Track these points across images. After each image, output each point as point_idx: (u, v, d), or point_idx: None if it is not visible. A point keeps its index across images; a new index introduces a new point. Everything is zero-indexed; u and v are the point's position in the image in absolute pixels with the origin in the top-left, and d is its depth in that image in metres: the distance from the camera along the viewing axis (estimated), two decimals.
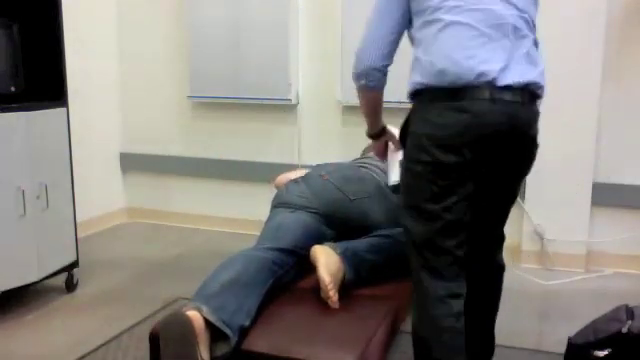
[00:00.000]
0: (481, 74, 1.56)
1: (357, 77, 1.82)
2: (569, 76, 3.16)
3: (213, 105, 3.97)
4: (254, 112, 3.88)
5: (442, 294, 1.68)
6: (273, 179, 2.77)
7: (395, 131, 2.20)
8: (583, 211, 3.30)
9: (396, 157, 2.21)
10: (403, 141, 1.77)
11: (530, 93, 1.64)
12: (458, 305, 1.70)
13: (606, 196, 3.28)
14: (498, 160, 1.67)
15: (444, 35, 1.61)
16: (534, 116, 1.70)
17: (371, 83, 1.81)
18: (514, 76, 1.58)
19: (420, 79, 1.65)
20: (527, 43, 1.64)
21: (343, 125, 3.70)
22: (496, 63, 1.58)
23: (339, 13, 3.56)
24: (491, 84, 1.57)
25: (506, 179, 1.77)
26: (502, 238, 1.95)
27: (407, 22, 1.76)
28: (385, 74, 1.81)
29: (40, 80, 2.92)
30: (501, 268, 1.97)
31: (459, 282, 1.72)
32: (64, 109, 2.89)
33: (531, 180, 3.31)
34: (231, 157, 3.97)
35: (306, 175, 2.41)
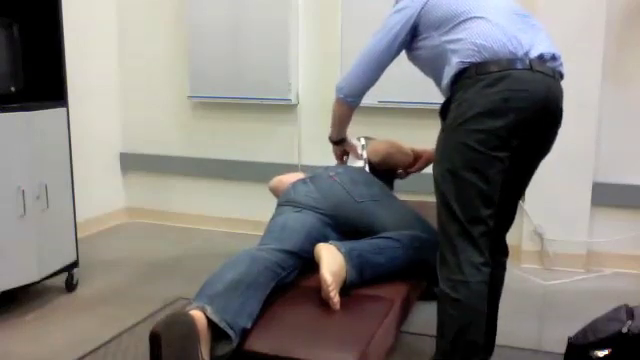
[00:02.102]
0: (517, 45, 1.71)
1: (341, 91, 2.07)
2: (569, 76, 3.11)
3: (213, 105, 3.97)
4: (254, 112, 3.88)
5: (477, 261, 1.75)
6: (272, 179, 2.76)
7: (356, 143, 2.49)
8: (583, 211, 3.30)
9: (356, 164, 2.48)
10: (444, 115, 1.83)
11: (558, 72, 1.79)
12: (488, 274, 1.78)
13: (606, 196, 3.28)
14: (533, 132, 1.76)
15: (482, 23, 1.76)
16: (562, 93, 1.82)
17: (352, 102, 2.08)
18: (542, 48, 1.74)
19: (461, 59, 1.75)
20: (544, 32, 1.83)
21: None
22: (527, 39, 1.75)
23: (339, 13, 3.56)
24: (527, 55, 1.71)
25: (533, 154, 1.88)
26: (513, 217, 2.04)
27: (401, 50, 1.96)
28: (362, 97, 2.07)
29: (40, 80, 2.92)
30: (507, 251, 2.07)
31: (487, 252, 1.79)
32: (64, 109, 2.89)
33: (531, 180, 3.31)
34: (231, 157, 3.97)
35: (314, 175, 2.41)
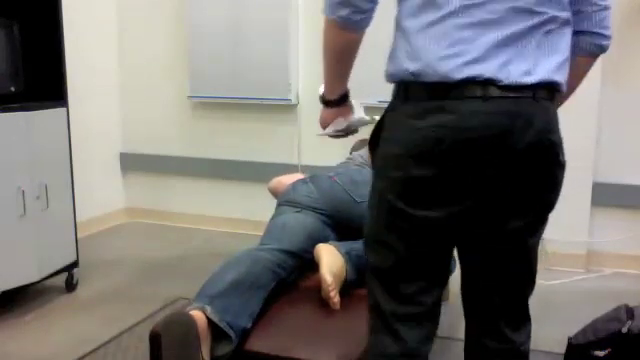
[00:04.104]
0: (467, 80, 1.17)
1: (336, 6, 1.28)
2: None
3: (213, 105, 3.97)
4: (254, 112, 3.88)
5: (391, 352, 1.32)
6: (271, 180, 2.76)
7: (359, 107, 1.63)
8: (583, 211, 3.30)
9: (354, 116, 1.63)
10: (373, 149, 1.36)
11: (545, 87, 1.22)
12: None
13: (606, 196, 3.28)
14: (496, 181, 1.21)
15: (428, 25, 1.21)
16: (552, 116, 1.25)
17: (355, 16, 1.28)
18: (516, 75, 1.18)
19: (393, 69, 1.27)
20: (544, 27, 1.21)
21: None
22: (492, 60, 1.18)
23: None
24: (485, 82, 1.18)
25: (511, 211, 1.26)
26: (516, 310, 1.38)
27: None
28: (373, 9, 1.30)
29: (40, 80, 2.92)
30: (511, 352, 1.39)
31: (420, 341, 1.33)
32: (64, 109, 2.89)
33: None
34: (231, 157, 3.97)
35: (314, 175, 2.41)
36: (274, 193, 2.60)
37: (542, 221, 1.33)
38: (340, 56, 1.39)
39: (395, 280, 1.30)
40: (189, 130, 4.08)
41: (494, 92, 1.17)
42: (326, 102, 1.53)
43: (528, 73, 1.19)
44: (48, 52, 2.90)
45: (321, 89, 1.55)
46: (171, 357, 1.60)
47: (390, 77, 1.29)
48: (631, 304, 2.12)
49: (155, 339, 1.70)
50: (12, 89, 2.79)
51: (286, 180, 2.54)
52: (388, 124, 1.29)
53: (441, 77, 1.18)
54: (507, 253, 1.32)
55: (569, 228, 3.32)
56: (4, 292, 2.65)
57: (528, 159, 1.21)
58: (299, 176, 2.57)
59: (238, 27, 3.71)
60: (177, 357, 1.60)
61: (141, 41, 4.08)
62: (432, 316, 1.35)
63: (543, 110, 1.21)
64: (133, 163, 4.24)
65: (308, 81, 3.74)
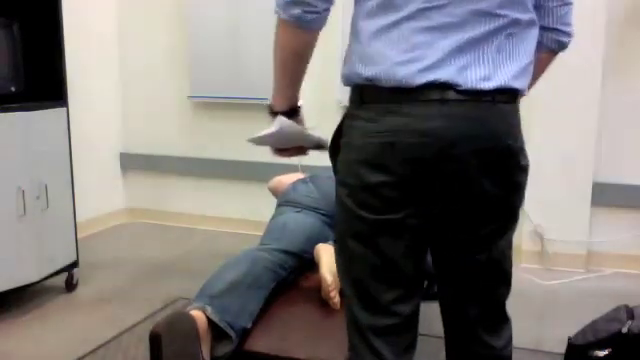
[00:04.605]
0: (424, 85, 1.14)
1: (287, 5, 1.30)
2: (569, 76, 3.16)
3: (213, 105, 3.97)
4: (254, 112, 3.88)
5: None
6: (272, 179, 2.76)
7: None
8: (583, 211, 3.30)
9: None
10: (334, 156, 1.32)
11: (504, 93, 1.18)
12: None
13: (606, 196, 3.29)
14: (453, 184, 1.18)
15: (383, 28, 1.18)
16: (511, 120, 1.21)
17: (308, 16, 1.28)
18: (474, 80, 1.15)
19: (349, 73, 1.25)
20: (506, 30, 1.17)
21: None
22: (450, 65, 1.14)
23: (339, 13, 3.55)
24: (443, 86, 1.15)
25: (473, 215, 1.23)
26: (493, 315, 1.35)
27: None
28: (328, 10, 1.30)
29: (40, 80, 2.92)
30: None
31: (399, 355, 1.28)
32: (64, 109, 2.89)
33: (531, 180, 3.30)
34: (231, 157, 3.97)
35: (314, 175, 2.41)
36: (274, 192, 2.60)
37: (510, 224, 1.30)
38: (291, 58, 1.38)
39: (367, 288, 1.25)
40: (189, 130, 4.08)
41: (452, 96, 1.14)
42: (275, 114, 1.48)
43: (486, 78, 1.15)
44: (48, 52, 2.90)
45: (270, 99, 1.46)
46: (171, 357, 1.60)
47: (346, 80, 1.26)
48: (631, 304, 2.12)
49: (155, 339, 1.70)
50: (12, 89, 2.79)
51: (286, 180, 2.54)
52: (346, 129, 1.25)
53: (398, 83, 1.15)
54: (477, 257, 1.28)
55: (569, 228, 3.32)
56: (4, 292, 2.65)
57: (485, 163, 1.18)
58: (299, 176, 2.57)
59: (238, 27, 3.71)
60: (177, 357, 1.60)
61: (141, 41, 4.08)
62: (410, 327, 1.30)
63: (501, 115, 1.18)
64: (133, 163, 4.24)
65: (308, 81, 3.72)
